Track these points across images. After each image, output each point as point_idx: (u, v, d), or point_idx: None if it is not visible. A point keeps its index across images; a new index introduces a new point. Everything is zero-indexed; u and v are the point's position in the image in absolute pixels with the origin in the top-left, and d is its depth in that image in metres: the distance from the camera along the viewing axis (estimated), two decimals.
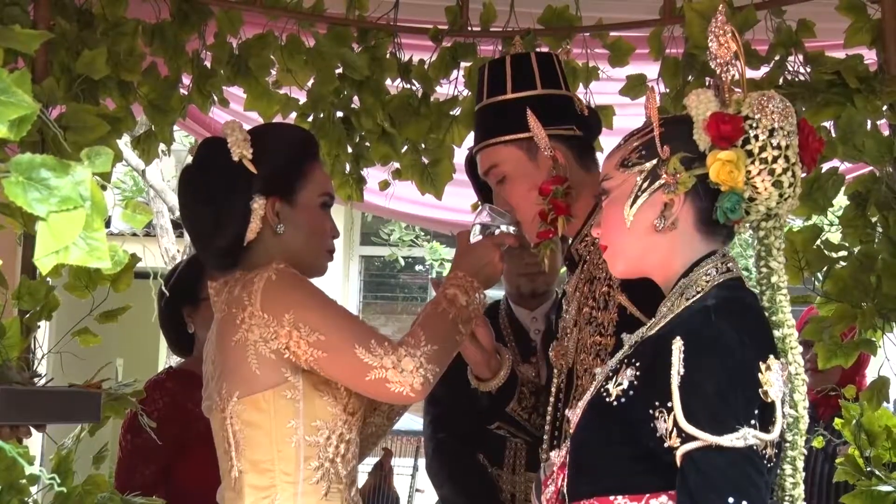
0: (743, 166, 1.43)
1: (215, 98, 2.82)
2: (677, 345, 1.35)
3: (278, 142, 1.91)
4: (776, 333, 1.47)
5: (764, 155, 1.44)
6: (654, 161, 1.50)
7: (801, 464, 1.47)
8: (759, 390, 1.35)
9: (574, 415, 1.55)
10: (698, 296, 1.45)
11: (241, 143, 1.84)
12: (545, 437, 1.98)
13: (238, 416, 1.78)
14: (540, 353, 2.71)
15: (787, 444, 1.45)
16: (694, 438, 1.32)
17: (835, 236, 2.28)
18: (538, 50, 2.02)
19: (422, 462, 2.13)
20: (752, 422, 1.33)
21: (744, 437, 1.31)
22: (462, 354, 1.97)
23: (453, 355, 1.81)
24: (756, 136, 1.44)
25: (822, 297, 2.24)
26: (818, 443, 2.84)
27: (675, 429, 1.33)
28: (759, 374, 1.36)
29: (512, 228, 1.96)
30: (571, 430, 1.54)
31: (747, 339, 1.38)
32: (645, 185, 1.50)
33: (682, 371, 1.34)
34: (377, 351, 1.69)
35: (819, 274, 2.26)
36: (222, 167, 1.85)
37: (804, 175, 1.50)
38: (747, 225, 1.53)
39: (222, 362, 1.81)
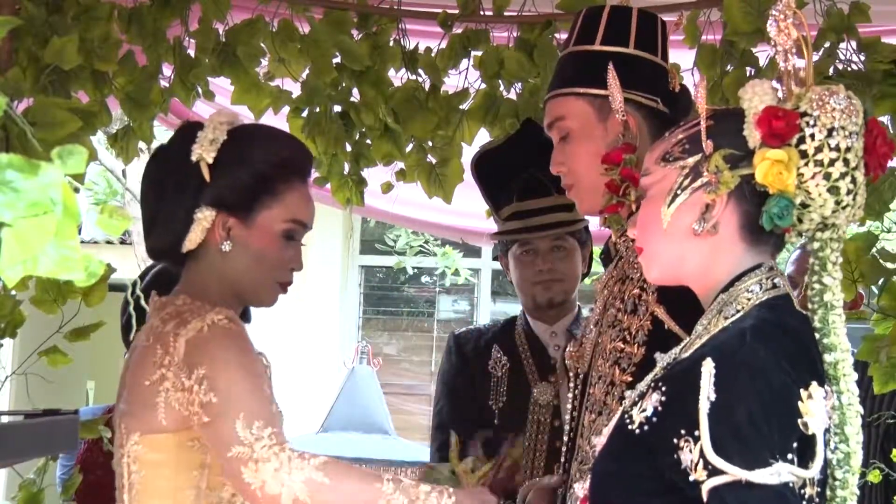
0: (794, 168, 1.42)
1: (199, 90, 2.84)
2: (707, 367, 1.35)
3: (253, 151, 1.85)
4: (827, 358, 1.45)
5: (820, 157, 1.42)
6: (698, 157, 1.49)
7: None
8: (799, 421, 1.34)
9: (599, 443, 1.55)
10: (737, 315, 1.45)
11: (207, 142, 1.81)
12: (563, 450, 1.98)
13: (137, 457, 1.78)
14: (560, 371, 2.71)
15: (838, 483, 1.43)
16: (722, 472, 1.30)
17: (893, 244, 2.28)
18: (643, 7, 1.97)
19: None
20: (789, 456, 1.32)
21: (778, 473, 1.30)
22: None
23: None
24: (812, 135, 1.42)
25: (878, 314, 2.23)
26: (874, 477, 2.82)
27: (701, 460, 1.32)
28: (799, 403, 1.35)
29: None
30: (593, 461, 1.54)
31: (786, 363, 1.37)
32: (685, 182, 1.50)
33: (712, 397, 1.33)
34: (258, 434, 1.66)
35: (874, 287, 2.25)
36: (179, 162, 1.82)
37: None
38: (802, 235, 1.52)
39: (130, 398, 1.81)
